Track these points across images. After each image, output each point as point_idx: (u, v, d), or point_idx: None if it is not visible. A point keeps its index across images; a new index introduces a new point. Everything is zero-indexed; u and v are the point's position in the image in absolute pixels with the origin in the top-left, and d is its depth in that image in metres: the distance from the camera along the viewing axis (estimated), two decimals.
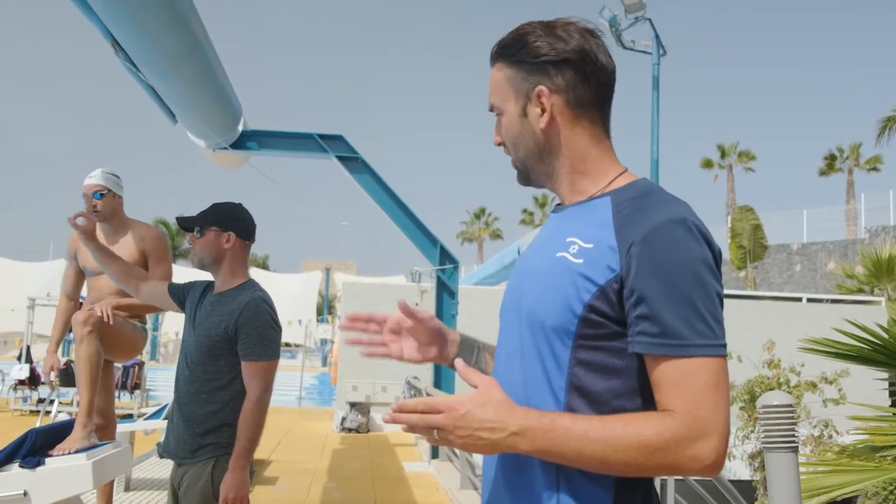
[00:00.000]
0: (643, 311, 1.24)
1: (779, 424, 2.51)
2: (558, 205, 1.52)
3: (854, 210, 30.63)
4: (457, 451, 8.00)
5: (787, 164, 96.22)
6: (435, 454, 9.63)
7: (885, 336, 4.16)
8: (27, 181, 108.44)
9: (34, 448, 3.60)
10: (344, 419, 13.25)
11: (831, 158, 38.19)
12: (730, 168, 39.46)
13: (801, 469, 3.31)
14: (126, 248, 4.56)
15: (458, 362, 1.39)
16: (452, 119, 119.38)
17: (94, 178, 4.52)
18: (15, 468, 3.51)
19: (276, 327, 3.08)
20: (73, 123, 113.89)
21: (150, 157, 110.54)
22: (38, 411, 11.69)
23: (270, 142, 9.30)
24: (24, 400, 13.90)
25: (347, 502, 7.39)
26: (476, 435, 1.25)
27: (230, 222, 3.13)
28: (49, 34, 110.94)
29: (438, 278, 9.75)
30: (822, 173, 38.81)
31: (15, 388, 13.76)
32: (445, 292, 9.78)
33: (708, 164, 39.74)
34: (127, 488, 6.49)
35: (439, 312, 9.73)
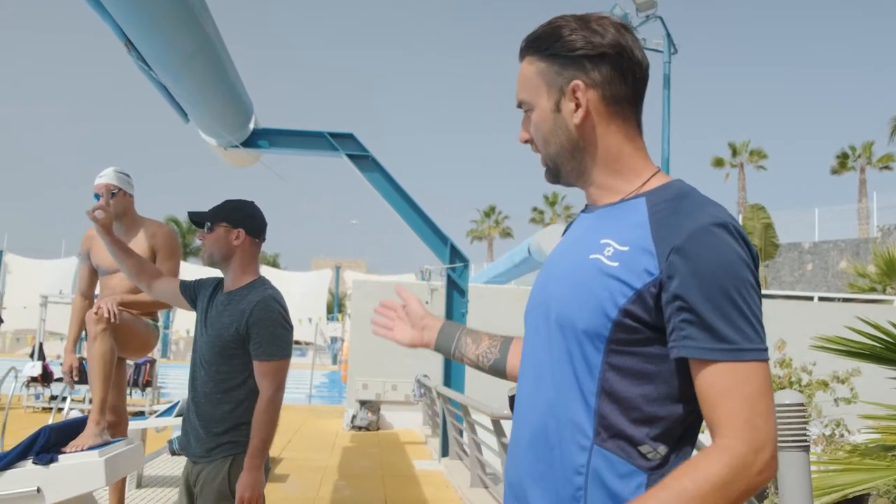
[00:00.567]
0: (689, 317, 1.21)
1: (790, 423, 2.51)
2: (588, 205, 1.48)
3: (866, 208, 30.46)
4: (467, 449, 8.01)
5: (799, 163, 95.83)
6: (445, 452, 9.64)
7: None
8: (40, 179, 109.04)
9: (47, 445, 3.62)
10: (354, 417, 13.28)
11: (843, 157, 38.01)
12: (741, 166, 39.32)
13: (813, 468, 3.31)
14: (137, 245, 4.57)
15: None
16: (462, 117, 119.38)
17: (105, 177, 4.54)
18: (28, 465, 3.54)
19: (286, 326, 3.06)
20: (85, 121, 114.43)
21: (162, 155, 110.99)
22: (51, 408, 11.75)
23: (281, 140, 9.32)
24: (37, 397, 13.98)
25: (357, 500, 7.40)
26: None
27: (240, 219, 3.12)
28: (61, 33, 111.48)
29: (448, 276, 9.75)
30: (834, 172, 38.64)
31: (28, 385, 13.83)
32: (455, 290, 9.78)
33: (719, 162, 39.62)
34: (139, 485, 6.53)
35: (449, 310, 9.73)
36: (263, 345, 2.97)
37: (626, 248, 1.28)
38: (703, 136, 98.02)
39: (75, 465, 3.60)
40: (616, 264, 1.28)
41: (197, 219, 3.16)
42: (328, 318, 38.02)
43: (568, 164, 1.42)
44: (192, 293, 3.31)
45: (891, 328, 4.17)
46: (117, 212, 4.55)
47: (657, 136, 15.86)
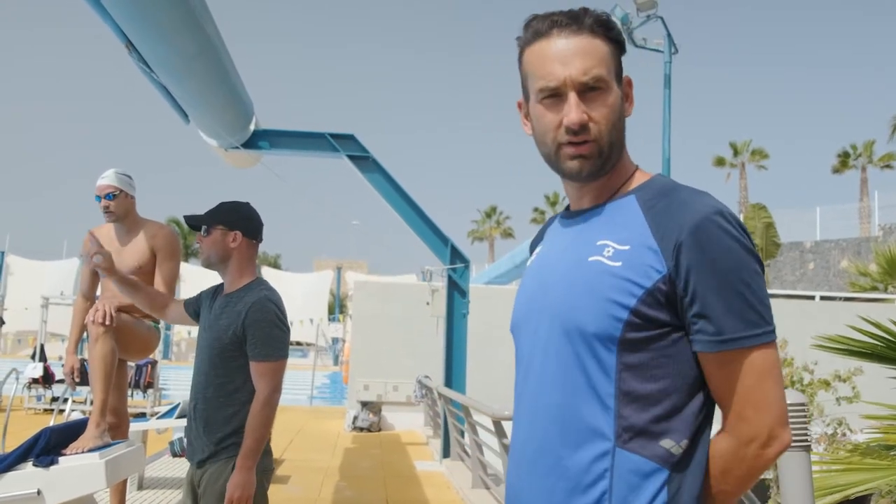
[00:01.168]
0: (698, 310, 1.24)
1: (791, 423, 2.50)
2: (567, 209, 1.47)
3: (867, 207, 30.43)
4: (468, 449, 8.00)
5: (800, 162, 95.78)
6: (446, 453, 9.63)
7: None
8: (41, 179, 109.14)
9: (48, 447, 3.62)
10: (355, 418, 13.27)
11: (844, 156, 37.98)
12: (742, 166, 39.29)
13: (814, 467, 3.30)
14: (138, 246, 4.58)
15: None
16: (463, 117, 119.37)
17: (107, 179, 4.54)
18: (29, 467, 3.53)
19: (282, 327, 3.04)
20: (86, 121, 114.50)
21: (164, 155, 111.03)
22: (52, 410, 11.74)
23: (282, 141, 9.32)
24: (38, 398, 13.98)
25: (359, 501, 7.40)
26: None
27: (237, 221, 3.11)
28: (61, 32, 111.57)
29: (449, 277, 9.74)
30: (836, 171, 38.60)
31: (29, 387, 13.83)
32: (456, 291, 9.78)
33: (720, 162, 39.59)
34: (140, 487, 6.52)
35: (450, 311, 9.73)
36: (259, 345, 2.95)
37: (626, 247, 1.28)
38: (704, 135, 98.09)
39: (76, 468, 3.59)
40: (619, 264, 1.27)
41: (193, 222, 3.15)
42: (329, 319, 38.03)
43: (616, 155, 1.38)
44: (196, 307, 3.32)
45: (892, 327, 4.16)
46: (118, 214, 4.55)
47: (658, 135, 15.84)
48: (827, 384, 6.78)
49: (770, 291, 17.11)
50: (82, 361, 5.21)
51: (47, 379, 13.79)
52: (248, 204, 3.22)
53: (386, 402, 13.51)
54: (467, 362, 9.67)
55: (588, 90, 1.32)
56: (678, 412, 1.27)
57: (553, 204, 51.58)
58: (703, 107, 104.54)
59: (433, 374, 11.26)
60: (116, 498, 4.79)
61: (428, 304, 11.08)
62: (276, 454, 9.72)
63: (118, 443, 4.04)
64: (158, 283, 4.56)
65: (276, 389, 2.98)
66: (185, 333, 39.08)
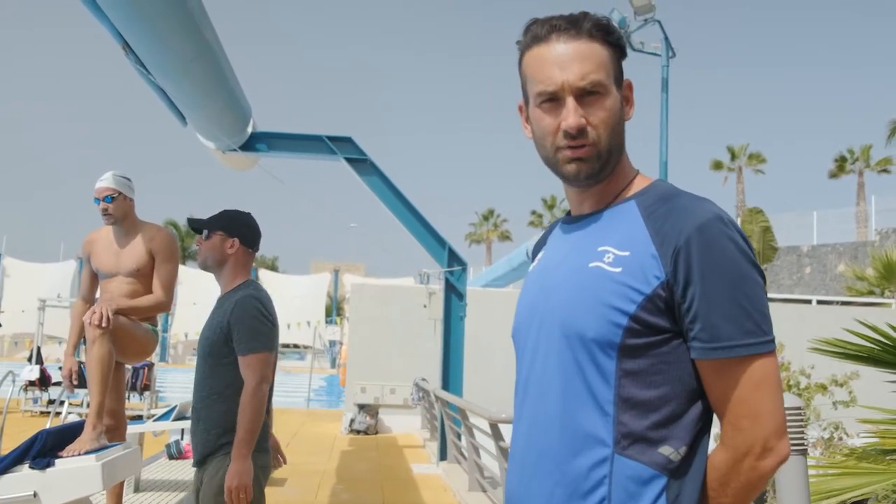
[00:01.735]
0: (695, 316, 1.24)
1: (788, 427, 2.50)
2: (569, 214, 1.47)
3: (864, 212, 30.47)
4: (465, 452, 8.00)
5: (797, 166, 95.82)
6: (443, 456, 9.62)
7: None
8: (39, 181, 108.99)
9: (44, 449, 3.61)
10: (352, 421, 13.26)
11: (841, 160, 38.01)
12: (739, 170, 39.33)
13: (811, 472, 3.30)
14: (137, 249, 4.58)
15: None
16: (460, 120, 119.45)
17: (105, 182, 4.55)
18: (25, 469, 3.53)
19: (265, 321, 3.12)
20: (85, 122, 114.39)
21: (162, 156, 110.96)
22: (49, 412, 11.72)
23: (279, 143, 9.33)
24: (35, 401, 13.95)
25: None
26: None
27: (236, 229, 3.23)
28: (60, 32, 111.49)
29: (447, 280, 9.74)
30: (833, 175, 38.63)
31: (25, 389, 13.80)
32: (454, 294, 9.77)
33: (718, 165, 39.63)
34: (137, 489, 6.51)
35: (447, 314, 9.72)
36: (244, 340, 3.05)
37: (627, 253, 1.28)
38: (702, 139, 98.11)
39: (72, 470, 3.59)
40: (619, 270, 1.28)
41: (195, 225, 3.27)
42: (327, 322, 37.95)
43: (615, 159, 1.38)
44: None
45: (889, 331, 4.17)
46: (117, 216, 4.55)
47: (655, 139, 15.87)
48: (823, 388, 6.78)
49: (767, 295, 17.11)
50: (80, 364, 5.21)
51: (44, 381, 13.76)
52: (249, 214, 3.35)
53: (383, 404, 13.50)
54: (464, 365, 9.67)
55: (586, 94, 1.33)
56: (677, 419, 1.27)
57: (550, 207, 51.60)
58: (700, 110, 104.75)
59: (430, 376, 11.25)
60: (113, 500, 4.78)
61: (425, 306, 11.09)
62: None
63: (115, 445, 4.04)
64: (156, 285, 4.56)
65: (262, 381, 3.05)
66: (182, 336, 39.01)
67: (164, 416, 6.83)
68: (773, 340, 1.25)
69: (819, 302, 16.35)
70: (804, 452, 2.54)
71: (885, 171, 36.83)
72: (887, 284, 17.12)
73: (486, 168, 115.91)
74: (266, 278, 44.58)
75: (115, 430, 4.51)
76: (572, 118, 1.32)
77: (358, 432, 13.09)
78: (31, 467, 3.53)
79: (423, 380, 11.90)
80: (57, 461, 3.59)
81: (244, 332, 3.05)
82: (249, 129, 8.83)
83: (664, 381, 1.27)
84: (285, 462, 3.56)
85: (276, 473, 8.62)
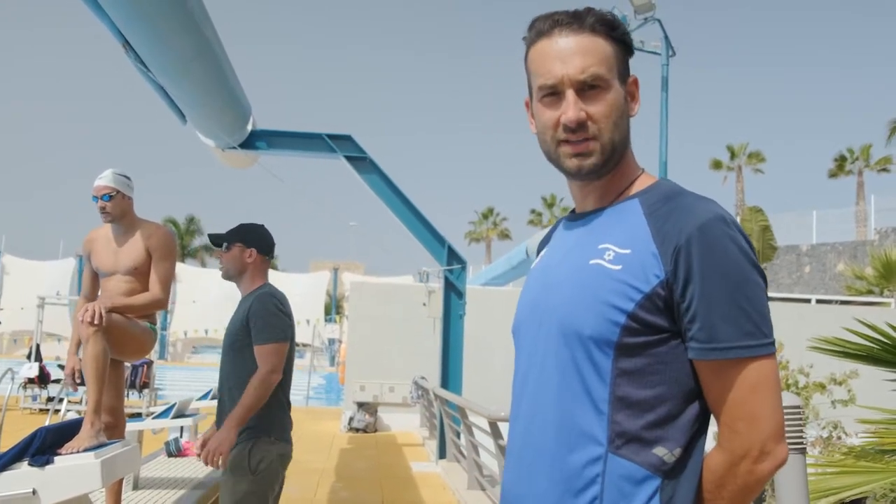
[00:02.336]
0: (693, 316, 1.23)
1: (787, 426, 2.51)
2: (573, 212, 1.47)
3: (864, 211, 30.48)
4: (464, 451, 8.00)
5: (797, 166, 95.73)
6: (443, 454, 9.63)
7: (895, 336, 4.14)
8: (38, 179, 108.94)
9: (43, 446, 3.61)
10: (351, 419, 13.26)
11: (841, 160, 38.02)
12: (739, 169, 39.35)
13: (810, 470, 3.30)
14: (135, 247, 4.58)
15: None
16: (460, 118, 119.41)
17: (104, 180, 4.54)
18: (24, 467, 3.52)
19: (280, 314, 3.42)
20: (85, 121, 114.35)
21: (162, 155, 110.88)
22: (48, 410, 11.73)
23: (279, 142, 9.33)
24: (34, 398, 13.96)
25: (355, 502, 7.40)
26: None
27: (253, 240, 3.58)
28: (60, 31, 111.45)
29: (446, 278, 9.74)
30: (832, 175, 38.64)
31: (24, 387, 13.80)
32: (453, 292, 9.78)
33: (717, 165, 39.65)
34: (135, 487, 6.51)
35: (447, 313, 9.73)
36: (259, 331, 3.35)
37: (627, 251, 1.28)
38: (701, 138, 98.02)
39: (71, 467, 3.58)
40: (619, 267, 1.27)
41: (216, 240, 3.61)
42: (326, 320, 37.98)
43: (619, 154, 1.37)
44: None
45: (888, 330, 4.17)
46: (114, 214, 4.54)
47: (655, 138, 15.88)
48: (822, 387, 6.79)
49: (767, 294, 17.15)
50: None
51: (43, 379, 13.76)
52: (263, 226, 3.69)
53: (382, 402, 13.50)
54: (464, 363, 9.68)
55: (588, 88, 1.33)
56: (673, 420, 1.26)
57: (550, 206, 51.61)
58: (700, 109, 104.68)
59: (429, 375, 11.26)
60: (112, 498, 4.78)
61: (425, 305, 11.09)
62: None
63: (113, 442, 4.03)
64: (154, 283, 4.56)
65: (274, 370, 3.33)
66: (182, 334, 39.03)
67: (164, 414, 6.83)
68: (772, 343, 1.24)
69: (818, 301, 16.36)
70: (803, 451, 2.54)
71: (884, 170, 36.85)
72: (886, 284, 17.13)
73: (486, 166, 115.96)
74: None
75: (113, 427, 4.50)
76: (571, 111, 1.32)
77: (357, 430, 13.10)
78: (29, 465, 3.52)
79: (423, 378, 11.91)
80: (56, 458, 3.59)
81: (260, 323, 3.35)
82: (249, 127, 8.83)
83: (660, 382, 1.26)
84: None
85: None
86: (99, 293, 4.79)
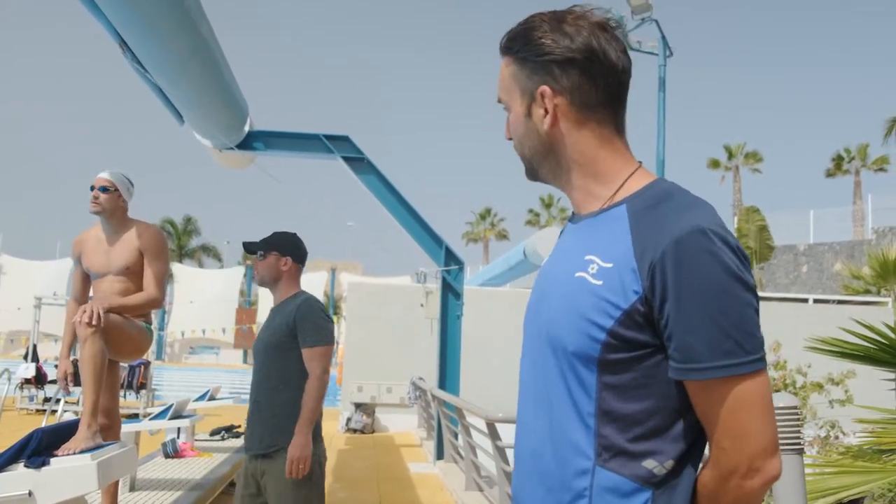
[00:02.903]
0: (669, 335, 1.19)
1: (784, 426, 2.51)
2: (574, 214, 1.45)
3: (861, 211, 30.52)
4: (462, 451, 8.00)
5: (794, 165, 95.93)
6: (440, 455, 9.63)
7: (892, 336, 4.15)
8: (35, 179, 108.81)
9: (39, 448, 3.60)
10: (349, 420, 13.26)
11: (838, 159, 38.07)
12: (736, 169, 39.38)
13: (807, 470, 3.31)
14: (126, 246, 4.57)
15: None
16: (458, 118, 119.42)
17: (107, 174, 4.57)
18: (20, 468, 3.51)
19: (327, 318, 3.64)
20: (83, 121, 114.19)
21: (161, 155, 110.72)
22: (45, 410, 11.71)
23: (276, 142, 9.32)
24: (31, 399, 13.95)
25: (352, 503, 7.39)
26: None
27: (288, 248, 3.73)
28: (58, 30, 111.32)
29: (444, 279, 9.74)
30: (829, 174, 38.69)
31: (21, 387, 13.79)
32: (450, 293, 9.77)
33: (715, 164, 39.67)
34: (132, 488, 6.49)
35: (444, 313, 9.72)
36: (309, 334, 3.53)
37: (609, 265, 1.25)
38: (699, 138, 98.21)
39: (67, 469, 3.57)
40: (600, 283, 1.24)
41: (251, 248, 3.74)
42: None
43: (542, 165, 1.41)
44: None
45: (885, 330, 4.18)
46: (104, 207, 4.54)
47: (652, 138, 15.89)
48: (820, 387, 6.79)
49: (763, 294, 17.20)
50: (75, 362, 5.18)
51: (40, 379, 13.74)
52: (296, 234, 3.84)
53: (380, 403, 13.50)
54: (461, 364, 9.67)
55: (506, 110, 1.44)
56: (662, 433, 1.24)
57: (548, 206, 51.65)
58: (697, 109, 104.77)
59: (427, 375, 11.25)
60: (108, 500, 4.77)
61: (422, 305, 11.10)
62: None
63: (110, 444, 4.03)
64: (148, 282, 4.55)
65: (325, 371, 3.56)
66: (179, 334, 39.02)
67: (161, 415, 6.82)
68: (758, 360, 1.19)
69: (815, 301, 16.36)
70: (800, 451, 2.54)
71: (881, 169, 36.90)
72: (883, 283, 17.13)
73: (484, 167, 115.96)
74: None
75: (109, 428, 4.49)
76: (504, 132, 1.46)
77: (355, 431, 13.09)
78: (26, 466, 3.51)
79: (420, 379, 11.90)
80: (52, 460, 3.58)
81: (310, 328, 3.53)
82: (246, 128, 8.81)
83: (648, 395, 1.23)
84: None
85: None
86: (90, 295, 4.78)
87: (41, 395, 13.96)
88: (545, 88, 1.33)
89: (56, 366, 4.90)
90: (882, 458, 4.02)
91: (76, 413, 10.28)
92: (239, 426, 9.18)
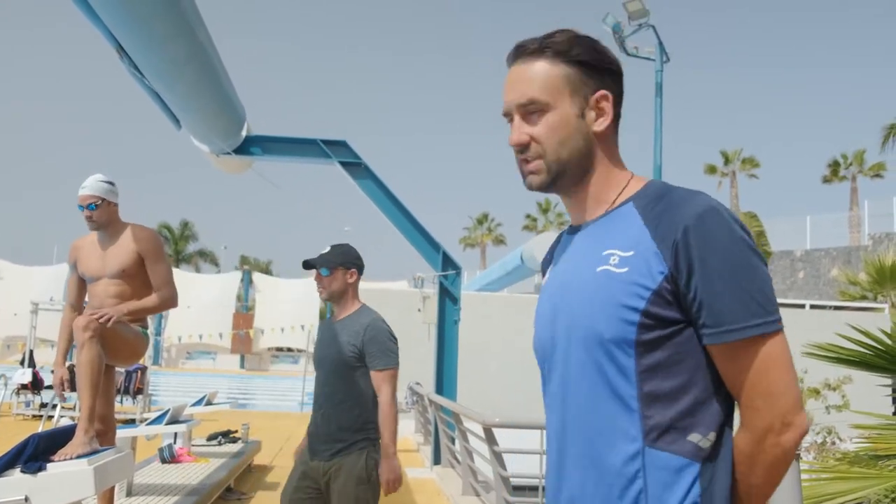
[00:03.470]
0: (699, 304, 1.29)
1: None
2: (571, 225, 1.53)
3: (857, 217, 30.59)
4: (459, 457, 7.99)
5: (791, 171, 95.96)
6: (437, 460, 9.62)
7: (889, 342, 4.16)
8: (31, 184, 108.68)
9: (36, 453, 3.60)
10: None
11: (835, 165, 38.15)
12: (733, 174, 39.43)
13: (804, 476, 3.31)
14: (122, 250, 4.57)
15: None
16: (455, 123, 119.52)
17: (87, 189, 4.54)
18: (16, 473, 3.51)
19: (394, 340, 3.77)
20: (80, 123, 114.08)
21: (158, 158, 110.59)
22: (41, 416, 11.69)
23: (274, 147, 9.33)
24: (27, 404, 13.91)
25: None
26: None
27: (351, 261, 3.80)
28: (57, 31, 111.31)
29: (441, 284, 9.74)
30: (826, 180, 38.76)
31: (18, 393, 13.76)
32: (448, 298, 9.78)
33: (712, 170, 39.72)
34: (129, 494, 6.48)
35: (441, 318, 9.73)
36: (378, 357, 3.67)
37: (630, 253, 1.34)
38: (696, 143, 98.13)
39: (64, 474, 3.57)
40: (626, 269, 1.33)
41: (313, 265, 3.78)
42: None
43: (576, 169, 1.45)
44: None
45: (881, 336, 4.18)
46: (101, 222, 4.55)
47: (649, 143, 15.90)
48: (817, 393, 6.81)
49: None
50: (71, 368, 5.18)
51: (36, 385, 13.72)
52: (351, 245, 3.91)
53: None
54: (458, 369, 9.67)
55: (532, 112, 1.44)
56: (702, 406, 1.32)
57: (545, 211, 51.68)
58: (694, 114, 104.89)
59: (424, 380, 11.24)
60: None
61: (419, 310, 11.08)
62: (265, 461, 9.70)
63: (107, 449, 4.02)
64: (158, 284, 4.58)
65: (395, 391, 3.73)
66: (176, 339, 38.97)
67: (157, 420, 6.82)
68: (779, 320, 1.31)
69: (812, 306, 16.40)
70: (797, 457, 2.54)
71: (878, 175, 36.98)
72: (880, 289, 17.17)
73: (481, 172, 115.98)
74: (260, 282, 44.61)
75: (103, 434, 4.49)
76: (513, 135, 1.46)
77: None
78: (22, 471, 3.51)
79: (417, 384, 11.89)
80: (49, 465, 3.58)
81: (379, 351, 3.67)
82: (244, 133, 8.83)
83: (684, 371, 1.31)
84: None
85: (270, 477, 8.60)
86: (86, 300, 4.79)
87: (38, 400, 13.94)
88: (605, 93, 1.44)
89: (52, 371, 4.89)
90: (879, 465, 4.03)
91: (73, 418, 10.27)
92: (236, 431, 9.17)
